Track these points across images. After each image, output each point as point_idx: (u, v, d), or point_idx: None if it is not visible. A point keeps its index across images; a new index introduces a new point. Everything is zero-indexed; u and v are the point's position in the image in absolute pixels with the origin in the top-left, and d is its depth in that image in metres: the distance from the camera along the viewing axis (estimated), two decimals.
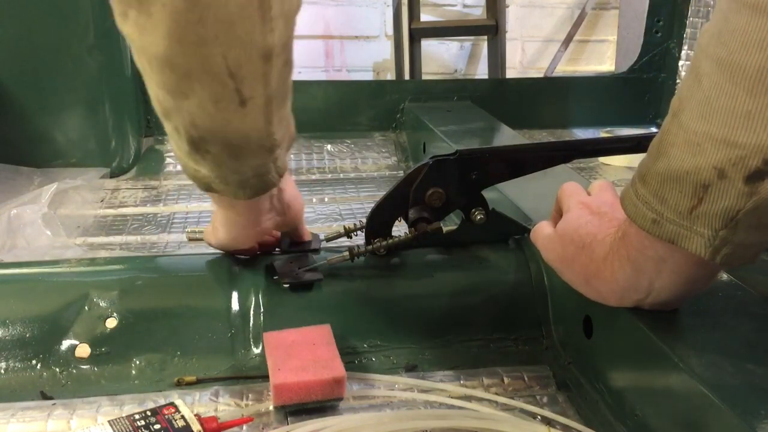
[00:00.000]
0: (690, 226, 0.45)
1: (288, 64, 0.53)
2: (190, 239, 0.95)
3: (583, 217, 0.59)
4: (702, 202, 0.44)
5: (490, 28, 2.38)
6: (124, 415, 0.56)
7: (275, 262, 0.72)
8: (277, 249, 0.76)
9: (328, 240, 0.77)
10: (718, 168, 0.42)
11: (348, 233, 0.75)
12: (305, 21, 2.65)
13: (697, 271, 0.50)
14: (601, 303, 0.58)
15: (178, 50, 0.47)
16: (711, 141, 0.42)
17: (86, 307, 0.67)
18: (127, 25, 0.47)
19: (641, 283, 0.52)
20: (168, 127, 0.55)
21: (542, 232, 0.63)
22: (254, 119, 0.53)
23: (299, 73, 2.66)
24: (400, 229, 0.72)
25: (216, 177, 0.58)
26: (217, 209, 0.68)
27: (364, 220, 0.73)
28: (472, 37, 2.85)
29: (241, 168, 0.57)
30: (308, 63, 2.68)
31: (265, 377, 0.61)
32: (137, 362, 0.66)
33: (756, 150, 0.41)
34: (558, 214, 0.64)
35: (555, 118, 1.49)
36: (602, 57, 3.00)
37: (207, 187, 0.59)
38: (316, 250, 0.75)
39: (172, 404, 0.57)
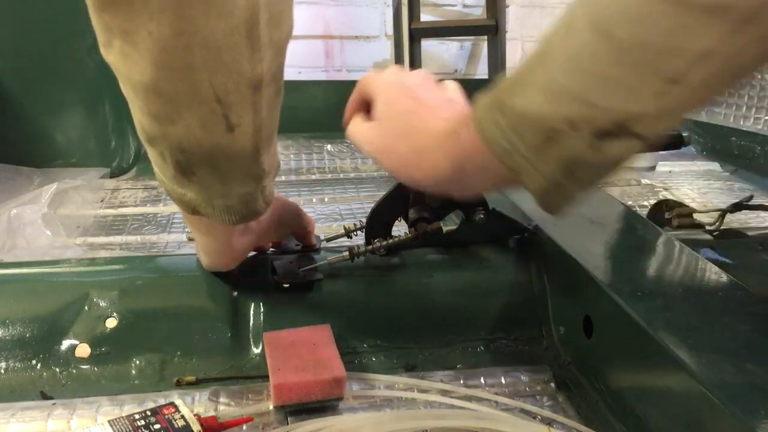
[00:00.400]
0: (534, 163, 0.47)
1: (279, 94, 0.53)
2: (190, 239, 0.95)
3: (399, 103, 0.58)
4: (550, 144, 0.46)
5: (490, 28, 2.37)
6: (124, 415, 0.56)
7: (275, 262, 0.72)
8: (271, 249, 0.76)
9: (328, 240, 0.77)
10: (570, 120, 0.44)
11: (348, 233, 0.75)
12: (305, 21, 2.65)
13: (509, 184, 0.52)
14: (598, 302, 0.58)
15: (165, 76, 0.47)
16: (569, 95, 0.44)
17: (86, 307, 0.67)
18: (112, 55, 0.48)
19: (459, 181, 0.54)
20: (152, 153, 0.55)
21: (358, 127, 0.62)
22: (243, 145, 0.52)
23: (299, 73, 2.66)
24: (400, 229, 0.72)
25: (203, 200, 0.57)
26: (196, 236, 0.67)
27: (364, 220, 0.73)
28: (472, 37, 2.85)
29: (229, 193, 0.56)
30: (308, 63, 2.67)
31: (265, 377, 0.61)
32: (137, 362, 0.66)
33: (608, 113, 0.43)
34: (359, 106, 0.62)
35: None
36: None
37: (193, 210, 0.58)
38: (317, 250, 0.75)
39: (172, 404, 0.57)
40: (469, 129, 0.51)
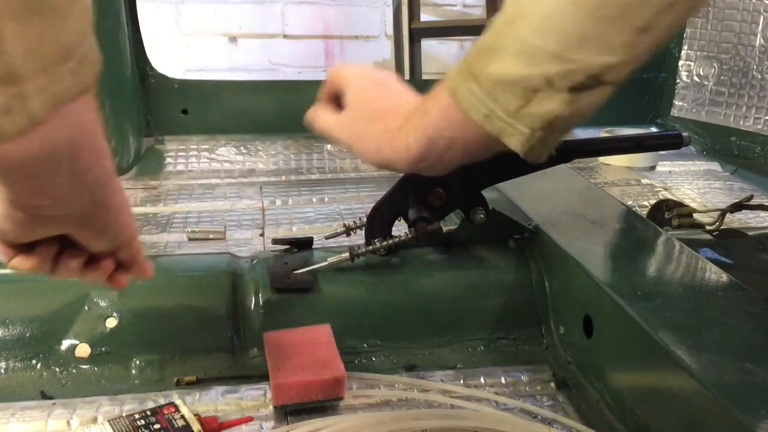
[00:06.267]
0: (514, 124, 0.50)
1: None
2: (191, 239, 0.95)
3: (368, 91, 0.63)
4: (529, 104, 0.48)
5: None
6: (124, 414, 0.56)
7: (270, 265, 0.72)
8: (261, 234, 0.73)
9: (327, 238, 0.77)
10: (547, 78, 0.47)
11: (348, 231, 0.75)
12: (305, 21, 2.65)
13: (480, 151, 0.55)
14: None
15: None
16: (544, 54, 0.47)
17: (86, 307, 0.67)
18: None
19: (431, 155, 0.56)
20: None
21: (325, 118, 0.65)
22: None
23: (299, 73, 2.66)
24: (400, 229, 0.72)
25: None
26: None
27: (365, 219, 0.73)
28: (472, 37, 2.85)
29: None
30: (308, 63, 2.68)
31: (265, 377, 0.61)
32: (137, 362, 0.66)
33: (584, 67, 0.46)
34: (330, 98, 0.65)
35: None
36: None
37: None
38: (309, 244, 0.75)
39: (172, 404, 0.57)
40: (438, 102, 0.54)
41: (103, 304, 0.68)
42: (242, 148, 1.29)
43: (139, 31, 1.24)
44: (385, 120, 0.60)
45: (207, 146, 1.27)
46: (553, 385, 0.65)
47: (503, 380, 0.65)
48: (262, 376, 0.63)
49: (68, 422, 0.58)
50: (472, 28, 2.67)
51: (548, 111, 0.48)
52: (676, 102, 1.44)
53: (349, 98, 0.63)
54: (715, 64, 1.39)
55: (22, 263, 0.52)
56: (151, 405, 0.59)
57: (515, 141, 0.50)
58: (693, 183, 1.25)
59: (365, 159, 0.62)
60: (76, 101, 0.43)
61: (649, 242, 0.74)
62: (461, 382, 0.65)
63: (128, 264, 0.56)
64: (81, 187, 0.47)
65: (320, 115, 0.66)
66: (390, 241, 0.72)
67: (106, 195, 0.50)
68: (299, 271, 0.71)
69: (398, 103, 0.61)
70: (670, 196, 1.13)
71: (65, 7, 0.41)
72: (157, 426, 0.54)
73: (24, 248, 0.51)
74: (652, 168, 1.31)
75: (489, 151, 0.55)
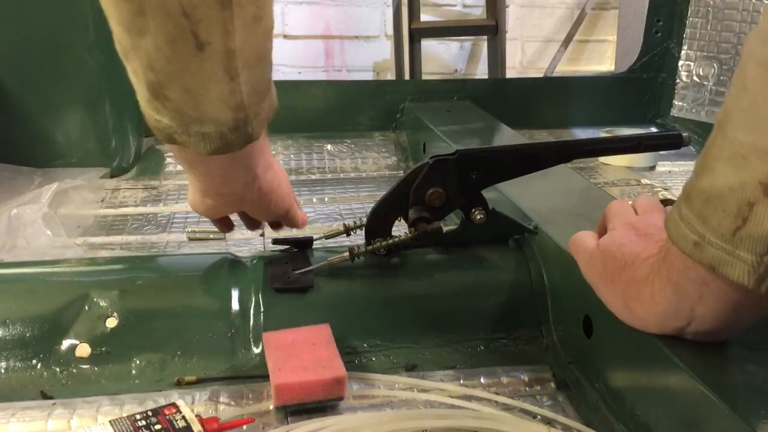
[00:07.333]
0: (732, 251, 0.41)
1: (258, 21, 0.51)
2: (191, 239, 0.95)
3: (628, 236, 0.56)
4: (746, 223, 0.40)
5: (490, 28, 2.38)
6: (124, 414, 0.56)
7: (270, 265, 0.72)
8: (261, 234, 0.76)
9: (327, 237, 0.77)
10: (764, 183, 0.39)
11: (348, 231, 0.75)
12: (305, 21, 2.65)
13: (742, 298, 0.45)
14: (606, 306, 0.57)
15: None
16: (757, 152, 0.39)
17: (86, 307, 0.67)
18: None
19: (682, 308, 0.49)
20: (129, 69, 0.54)
21: (583, 243, 0.61)
22: (213, 67, 0.51)
23: (299, 73, 2.66)
24: (400, 229, 0.72)
25: (178, 126, 0.55)
26: (185, 170, 0.67)
27: (365, 219, 0.73)
28: (472, 37, 2.85)
29: (203, 119, 0.54)
30: (308, 63, 2.68)
31: (265, 377, 0.61)
32: (137, 362, 0.66)
33: None
34: (602, 231, 0.61)
35: (555, 118, 1.49)
36: (602, 57, 3.00)
37: (169, 138, 0.56)
38: (310, 244, 0.75)
39: (173, 404, 0.57)
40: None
41: (103, 304, 0.68)
42: None
43: None
44: (634, 268, 0.52)
45: None
46: (553, 385, 0.65)
47: (503, 380, 0.66)
48: (262, 377, 0.63)
49: (68, 422, 0.59)
50: (472, 28, 2.68)
51: None
52: (676, 102, 1.44)
53: (609, 235, 0.57)
54: (715, 64, 1.39)
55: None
56: (151, 405, 0.59)
57: (739, 272, 0.41)
58: None
59: (611, 309, 0.56)
60: None
61: None
62: (461, 382, 0.65)
63: (288, 223, 0.77)
64: (252, 179, 0.66)
65: (581, 236, 0.61)
66: (390, 241, 0.72)
67: (266, 184, 0.68)
68: (299, 271, 0.71)
69: (646, 247, 0.52)
70: (670, 196, 1.14)
71: (269, 57, 0.56)
72: (158, 426, 0.54)
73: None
74: (652, 168, 1.31)
75: (754, 299, 0.44)
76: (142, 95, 0.55)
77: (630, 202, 0.63)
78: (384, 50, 2.79)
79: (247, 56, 0.52)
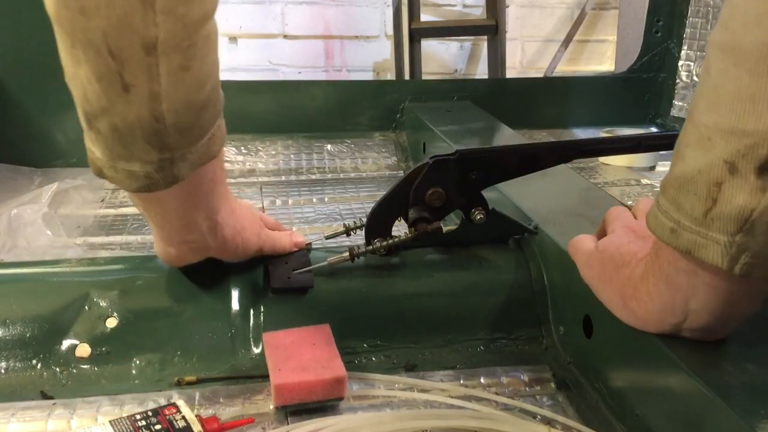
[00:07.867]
0: (705, 233, 0.42)
1: (186, 70, 0.50)
2: None
3: (626, 237, 0.57)
4: (716, 204, 0.41)
5: (490, 28, 2.38)
6: (124, 414, 0.56)
7: (269, 265, 0.71)
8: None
9: (327, 238, 0.77)
10: (728, 162, 0.39)
11: (348, 231, 0.75)
12: (305, 21, 2.65)
13: (731, 286, 0.45)
14: (605, 307, 0.57)
15: (63, 14, 0.47)
16: (720, 133, 0.40)
17: (86, 307, 0.67)
18: None
19: (677, 302, 0.49)
20: (73, 95, 0.54)
21: (582, 246, 0.62)
22: (138, 110, 0.51)
23: (299, 73, 2.66)
24: (400, 229, 0.72)
25: (107, 161, 0.55)
26: (140, 210, 0.65)
27: (365, 219, 0.73)
28: (472, 37, 2.85)
29: (130, 157, 0.54)
30: (308, 63, 2.67)
31: (265, 377, 0.61)
32: (137, 362, 0.66)
33: (764, 136, 0.38)
34: (602, 234, 0.62)
35: (555, 118, 1.49)
36: (602, 57, 3.00)
37: (99, 172, 0.56)
38: (309, 249, 0.75)
39: (173, 404, 0.57)
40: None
41: (103, 304, 0.68)
42: (242, 148, 1.29)
43: None
44: (631, 267, 0.53)
45: None
46: (553, 385, 0.65)
47: (503, 380, 0.65)
48: (262, 377, 0.63)
49: (68, 422, 0.59)
50: (472, 28, 2.68)
51: (741, 207, 0.40)
52: (676, 102, 1.44)
53: (608, 237, 0.59)
54: None
55: None
56: (151, 405, 0.59)
57: (713, 254, 0.42)
58: None
59: (610, 309, 0.56)
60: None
61: None
62: (461, 382, 0.65)
63: (276, 253, 0.72)
64: (213, 226, 0.63)
65: (580, 239, 0.62)
66: (390, 241, 0.72)
67: (229, 230, 0.65)
68: (299, 271, 0.71)
69: (643, 246, 0.53)
70: None
71: (205, 105, 0.54)
72: (158, 426, 0.54)
73: None
74: (652, 168, 1.31)
75: (744, 287, 0.44)
76: (81, 123, 0.55)
77: (630, 202, 0.63)
78: (384, 50, 2.79)
79: (173, 102, 0.51)
